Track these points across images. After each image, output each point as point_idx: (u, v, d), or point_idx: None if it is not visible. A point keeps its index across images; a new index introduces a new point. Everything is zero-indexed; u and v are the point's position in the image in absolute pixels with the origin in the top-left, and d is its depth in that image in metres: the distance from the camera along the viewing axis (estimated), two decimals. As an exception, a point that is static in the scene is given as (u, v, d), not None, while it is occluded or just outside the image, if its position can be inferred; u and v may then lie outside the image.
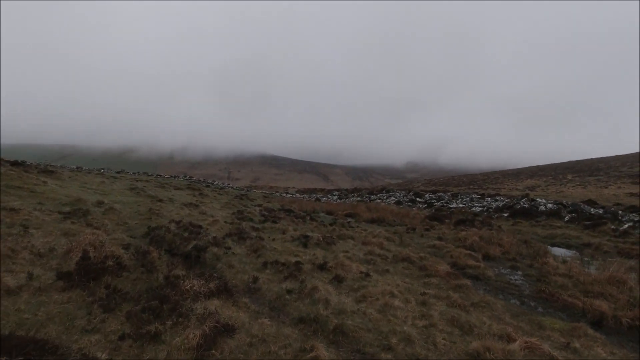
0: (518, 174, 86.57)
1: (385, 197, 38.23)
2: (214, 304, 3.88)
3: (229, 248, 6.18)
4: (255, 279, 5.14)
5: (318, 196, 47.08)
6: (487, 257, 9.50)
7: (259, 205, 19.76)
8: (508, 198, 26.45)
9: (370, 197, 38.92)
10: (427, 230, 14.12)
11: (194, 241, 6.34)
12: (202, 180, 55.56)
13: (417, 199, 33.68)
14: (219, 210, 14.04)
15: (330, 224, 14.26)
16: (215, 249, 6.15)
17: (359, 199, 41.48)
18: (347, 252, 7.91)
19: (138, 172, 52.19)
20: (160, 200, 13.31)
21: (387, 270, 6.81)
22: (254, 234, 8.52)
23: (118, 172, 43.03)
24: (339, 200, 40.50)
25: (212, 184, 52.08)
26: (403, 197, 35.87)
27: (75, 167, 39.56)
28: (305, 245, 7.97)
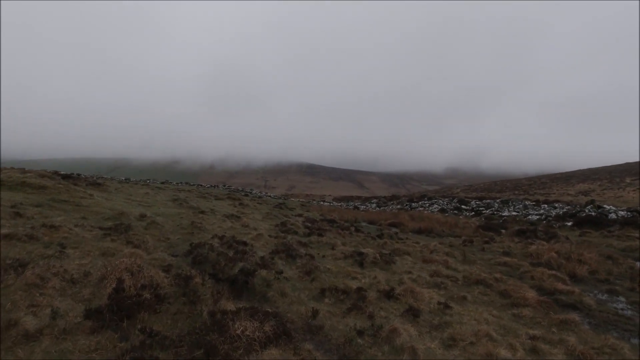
0: (568, 177, 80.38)
1: (427, 204, 36.37)
2: (272, 355, 3.03)
3: (280, 272, 5.35)
4: (315, 313, 4.26)
5: (356, 204, 45.93)
6: (573, 278, 8.05)
7: (299, 215, 19.06)
8: (569, 205, 23.97)
9: (411, 205, 37.20)
10: (486, 243, 12.65)
11: (240, 262, 5.59)
12: (240, 189, 56.29)
13: (463, 206, 31.62)
14: (261, 221, 13.42)
15: (378, 236, 13.20)
16: (264, 272, 5.36)
17: (399, 207, 39.85)
18: (410, 272, 6.86)
19: (180, 183, 53.86)
20: (202, 212, 12.90)
21: (465, 298, 5.69)
22: (302, 250, 7.69)
23: (162, 183, 44.42)
24: (378, 209, 39.12)
25: (251, 192, 52.55)
26: (447, 204, 33.89)
27: (123, 178, 41.25)
28: (361, 265, 7.01)
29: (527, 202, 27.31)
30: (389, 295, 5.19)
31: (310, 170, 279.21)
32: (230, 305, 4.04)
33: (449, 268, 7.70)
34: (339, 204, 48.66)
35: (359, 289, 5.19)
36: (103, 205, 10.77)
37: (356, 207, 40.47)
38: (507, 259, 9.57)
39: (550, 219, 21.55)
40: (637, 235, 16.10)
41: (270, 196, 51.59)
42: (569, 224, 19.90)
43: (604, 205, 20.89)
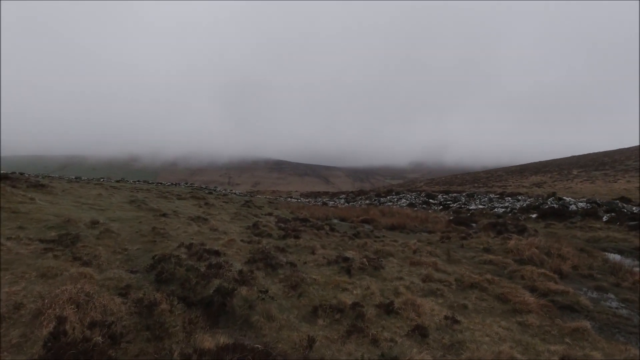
0: (522, 170, 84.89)
1: (395, 199, 36.63)
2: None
3: (265, 291, 4.57)
4: (311, 341, 3.55)
5: (324, 200, 45.53)
6: (559, 275, 7.91)
7: (269, 214, 18.19)
8: (531, 197, 24.85)
9: (379, 200, 37.32)
10: (463, 238, 12.50)
11: (215, 279, 4.75)
12: (204, 187, 54.03)
13: (430, 200, 32.09)
14: (230, 223, 12.45)
15: (355, 235, 12.68)
16: (244, 291, 4.56)
17: (367, 202, 39.84)
18: (401, 279, 6.32)
19: (138, 181, 50.66)
20: (164, 215, 11.72)
21: (465, 307, 5.22)
22: (282, 257, 6.93)
23: (118, 182, 41.53)
24: (347, 204, 38.88)
25: (215, 190, 50.58)
26: (414, 199, 34.27)
27: (73, 177, 38.04)
28: (348, 272, 6.38)
29: (491, 196, 28.10)
30: (388, 310, 4.59)
31: (276, 167, 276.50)
32: (207, 340, 3.25)
33: (438, 270, 7.26)
34: (307, 201, 47.99)
35: (355, 305, 4.55)
36: (46, 210, 9.38)
37: (325, 204, 40.01)
38: (490, 256, 9.35)
39: (516, 211, 22.19)
40: (598, 226, 16.82)
41: (235, 194, 49.94)
42: (534, 216, 20.54)
43: (564, 197, 21.78)
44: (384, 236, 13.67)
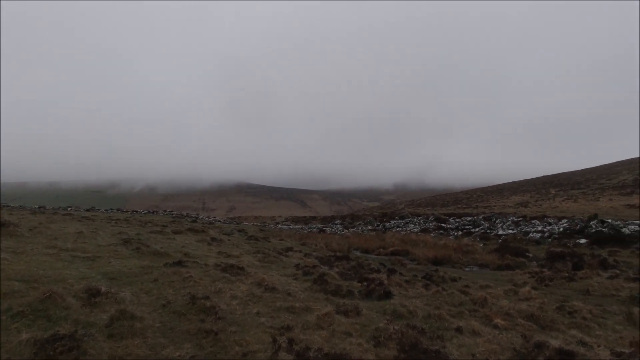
0: (500, 190, 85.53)
1: (402, 224, 33.97)
2: None
3: None
4: None
5: (319, 226, 42.22)
6: None
7: (290, 249, 14.88)
8: (564, 219, 22.85)
9: (385, 226, 34.48)
10: (571, 280, 9.77)
11: None
12: (184, 214, 49.42)
13: (443, 225, 29.66)
14: (270, 270, 9.12)
15: (427, 278, 9.70)
16: None
17: (370, 227, 36.93)
18: None
19: (110, 209, 45.37)
20: (180, 264, 8.25)
21: None
22: (437, 346, 3.82)
23: (88, 211, 36.57)
24: (345, 231, 35.80)
25: (198, 217, 46.17)
26: (424, 223, 31.75)
27: (37, 207, 33.01)
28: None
29: (514, 218, 25.97)
30: None
31: (251, 191, 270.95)
32: None
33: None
34: (300, 227, 44.48)
35: None
36: (10, 270, 5.82)
37: (322, 230, 36.72)
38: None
39: (556, 236, 20.00)
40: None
41: (219, 220, 45.72)
42: (582, 241, 18.31)
43: (608, 220, 19.82)
44: (459, 277, 10.72)
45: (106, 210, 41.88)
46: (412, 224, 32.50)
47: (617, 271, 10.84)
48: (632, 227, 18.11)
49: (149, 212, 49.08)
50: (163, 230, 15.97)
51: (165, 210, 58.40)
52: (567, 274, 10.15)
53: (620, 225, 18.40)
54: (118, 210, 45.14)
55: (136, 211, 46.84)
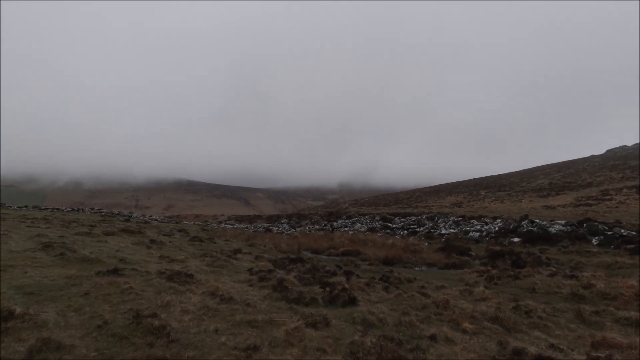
0: (437, 191, 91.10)
1: (349, 223, 34.31)
2: None
3: None
4: None
5: (266, 226, 41.19)
6: None
7: (239, 251, 13.98)
8: (499, 219, 24.58)
9: (332, 225, 34.56)
10: (516, 278, 10.26)
11: None
12: (115, 212, 45.25)
13: (389, 224, 30.46)
14: (222, 275, 8.31)
15: (384, 281, 9.57)
16: None
17: (317, 227, 36.80)
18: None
19: (26, 206, 39.96)
20: (116, 272, 7.13)
21: None
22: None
23: (-4, 209, 31.79)
24: (293, 230, 35.29)
25: (131, 216, 42.55)
26: (371, 223, 32.35)
27: None
28: None
29: (454, 218, 27.41)
30: None
31: (191, 188, 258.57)
32: None
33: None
34: (244, 226, 43.01)
35: None
36: None
37: (268, 230, 35.85)
38: (611, 309, 7.06)
39: (493, 235, 21.37)
40: (594, 250, 16.24)
41: (156, 219, 42.57)
42: (516, 240, 19.76)
43: (536, 220, 21.63)
44: (414, 278, 10.76)
45: (19, 207, 36.78)
46: (359, 223, 32.93)
47: (554, 269, 11.65)
48: (557, 226, 19.91)
49: (74, 209, 44.19)
50: (92, 232, 14.15)
51: (92, 208, 53.19)
52: (512, 273, 10.65)
53: (547, 225, 20.14)
54: (35, 207, 39.92)
55: (57, 209, 41.91)
